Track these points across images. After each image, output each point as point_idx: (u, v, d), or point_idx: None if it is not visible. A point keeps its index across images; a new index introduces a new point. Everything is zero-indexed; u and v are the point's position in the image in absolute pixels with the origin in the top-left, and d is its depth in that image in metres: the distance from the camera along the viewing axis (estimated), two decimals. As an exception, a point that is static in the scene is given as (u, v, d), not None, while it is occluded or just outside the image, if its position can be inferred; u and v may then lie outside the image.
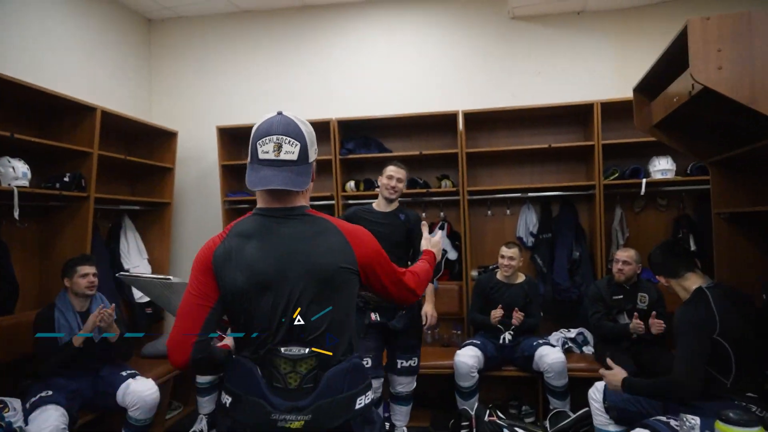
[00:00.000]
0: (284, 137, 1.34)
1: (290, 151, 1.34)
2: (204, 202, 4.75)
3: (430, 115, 4.14)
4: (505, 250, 3.63)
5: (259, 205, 1.42)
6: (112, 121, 3.90)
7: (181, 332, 1.31)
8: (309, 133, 1.42)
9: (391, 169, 3.03)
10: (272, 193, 1.37)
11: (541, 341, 3.53)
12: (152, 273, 4.33)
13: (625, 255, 3.50)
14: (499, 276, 3.71)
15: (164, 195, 4.48)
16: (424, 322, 3.19)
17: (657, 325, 3.08)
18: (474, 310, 3.76)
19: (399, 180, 3.02)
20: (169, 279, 1.79)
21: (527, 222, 4.29)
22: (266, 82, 4.73)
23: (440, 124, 4.35)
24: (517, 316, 3.47)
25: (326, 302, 1.34)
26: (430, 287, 3.26)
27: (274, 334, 1.31)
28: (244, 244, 1.33)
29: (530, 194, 4.22)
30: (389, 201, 3.03)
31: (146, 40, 4.87)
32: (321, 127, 4.17)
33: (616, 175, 3.96)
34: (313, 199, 4.57)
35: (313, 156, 1.42)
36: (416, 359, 3.14)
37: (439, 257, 1.90)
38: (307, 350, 1.30)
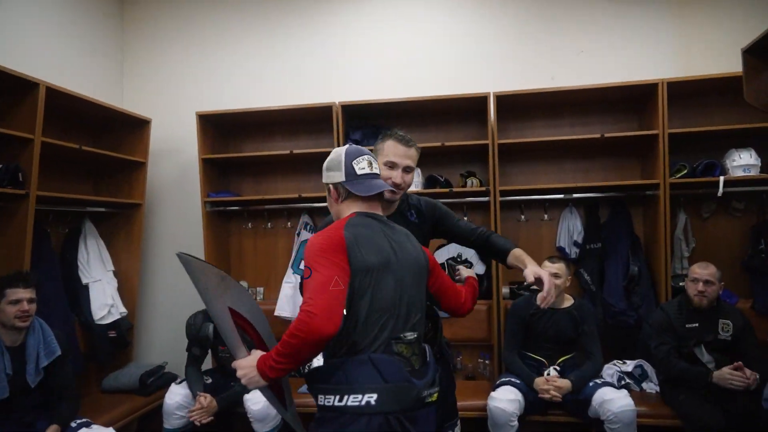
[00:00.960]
0: (371, 156, 1.64)
1: (376, 167, 1.64)
2: (182, 204, 4.02)
3: (454, 99, 3.40)
4: (548, 266, 2.88)
5: (356, 210, 1.59)
6: (66, 104, 3.19)
7: (333, 300, 1.37)
8: None
9: (391, 151, 1.83)
10: (369, 200, 1.60)
11: (599, 381, 2.79)
12: (116, 288, 3.61)
13: (707, 273, 2.76)
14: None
15: (134, 194, 3.75)
16: (536, 286, 1.89)
17: (739, 378, 2.49)
18: (511, 346, 2.99)
19: (406, 169, 1.84)
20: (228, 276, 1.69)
21: (570, 229, 3.55)
22: (257, 62, 4.01)
23: (466, 110, 3.61)
24: (557, 387, 2.73)
25: (421, 289, 1.63)
26: (521, 252, 1.99)
27: (396, 316, 1.50)
28: (368, 231, 1.52)
29: (575, 195, 3.48)
30: (388, 202, 1.87)
31: (118, 13, 4.15)
32: (321, 114, 3.47)
33: (684, 172, 3.22)
34: (309, 200, 3.75)
35: None
36: (458, 421, 2.24)
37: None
38: (416, 334, 1.50)
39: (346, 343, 1.45)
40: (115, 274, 3.67)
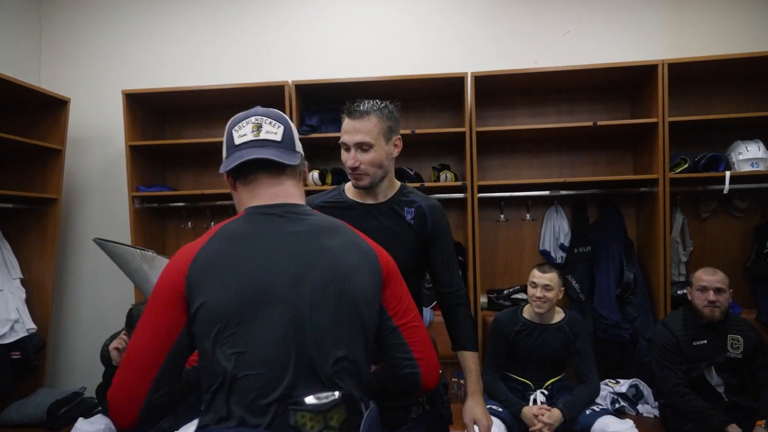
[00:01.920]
0: (264, 117, 1.13)
1: (272, 131, 1.11)
2: (109, 199, 3.44)
3: (426, 79, 2.93)
4: (538, 276, 2.45)
5: (252, 205, 1.10)
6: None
7: (134, 383, 0.96)
8: (293, 126, 1.17)
9: (342, 130, 1.52)
10: (265, 186, 1.10)
11: (596, 408, 2.38)
12: (23, 299, 3.00)
13: (716, 279, 2.40)
14: (527, 314, 2.54)
15: (48, 188, 3.16)
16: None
17: None
18: (492, 368, 2.54)
19: (362, 147, 1.48)
20: (150, 252, 1.51)
21: (556, 230, 3.15)
22: (197, 35, 3.44)
23: (441, 93, 3.16)
24: (548, 422, 2.28)
25: (350, 323, 1.02)
26: (473, 361, 1.61)
27: (285, 375, 0.95)
28: (236, 246, 1.02)
29: (561, 192, 3.07)
30: (365, 188, 1.54)
31: (34, -24, 3.54)
32: (271, 94, 2.97)
33: (685, 166, 2.85)
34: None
35: (300, 148, 1.16)
36: None
37: None
38: (337, 394, 0.97)
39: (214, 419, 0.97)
40: (24, 282, 3.07)
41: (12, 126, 3.10)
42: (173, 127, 3.45)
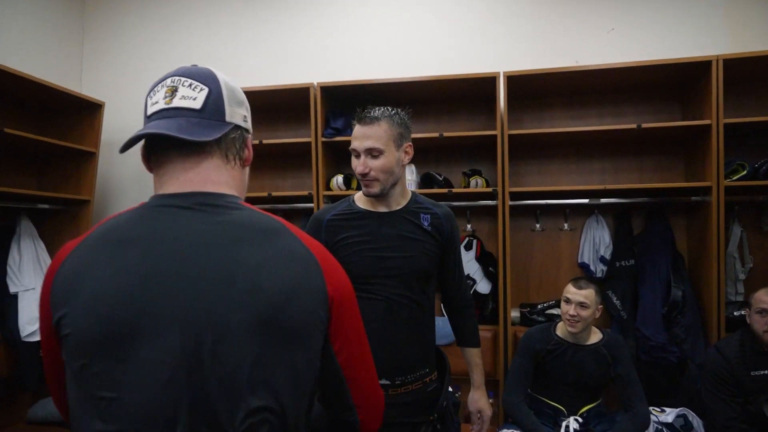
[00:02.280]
0: (182, 79, 0.83)
1: (190, 96, 0.81)
2: (131, 201, 3.45)
3: (456, 80, 2.79)
4: (572, 292, 2.24)
5: (158, 193, 0.82)
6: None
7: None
8: (230, 87, 0.86)
9: (353, 136, 1.48)
10: (176, 171, 0.81)
11: (637, 440, 2.15)
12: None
13: (781, 302, 2.11)
14: (560, 331, 2.33)
15: (82, 190, 3.22)
16: (472, 425, 1.73)
17: None
18: (516, 387, 2.33)
19: (372, 153, 1.43)
20: None
21: (596, 241, 2.91)
22: (228, 34, 3.45)
23: (472, 95, 3.01)
24: None
25: (276, 362, 0.73)
26: (477, 356, 1.72)
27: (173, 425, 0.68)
28: (114, 252, 0.74)
29: (602, 200, 2.84)
30: (375, 197, 1.49)
31: (78, -15, 3.66)
32: (297, 97, 2.91)
33: (743, 173, 2.57)
34: (282, 200, 3.03)
35: (235, 117, 0.85)
36: None
37: None
38: None
39: None
40: (56, 282, 3.13)
41: (51, 129, 3.21)
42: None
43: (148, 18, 3.56)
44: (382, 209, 1.51)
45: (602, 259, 2.88)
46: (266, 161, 3.32)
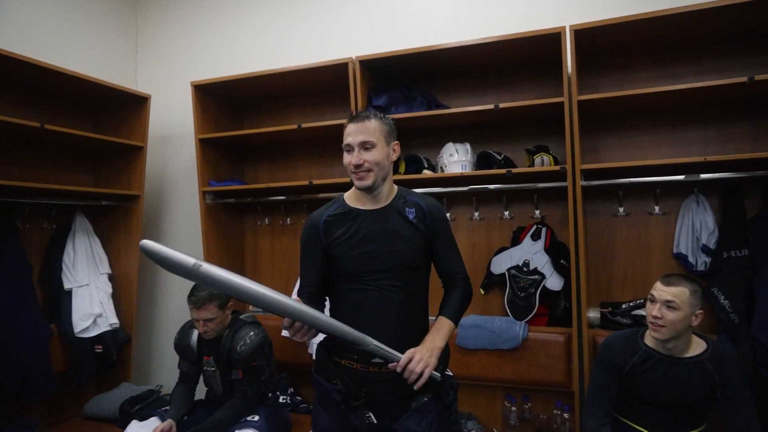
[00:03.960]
0: None
1: None
2: (186, 196, 3.41)
3: (511, 41, 2.36)
4: (659, 289, 1.77)
5: None
6: (39, 78, 2.69)
7: None
8: None
9: (351, 130, 1.58)
10: None
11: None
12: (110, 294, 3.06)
13: None
14: (650, 340, 1.88)
15: (132, 185, 3.19)
16: (400, 370, 1.47)
17: None
18: (597, 410, 1.90)
19: (365, 146, 1.55)
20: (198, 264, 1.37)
21: (696, 227, 2.37)
22: (257, 18, 3.27)
23: (532, 57, 2.56)
24: None
25: None
26: (445, 323, 1.66)
27: None
28: None
29: (702, 176, 2.30)
30: (367, 190, 1.60)
31: (130, -20, 3.65)
32: (335, 73, 2.66)
33: None
34: (324, 188, 2.77)
35: None
36: None
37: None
38: None
39: None
40: (111, 278, 3.14)
41: (104, 126, 3.22)
42: (251, 119, 3.31)
43: (195, 8, 3.47)
44: (371, 206, 1.62)
45: (705, 249, 2.33)
46: (306, 147, 3.11)
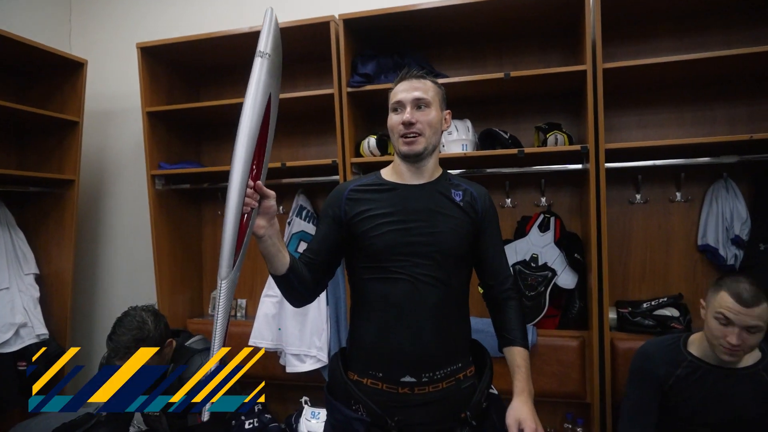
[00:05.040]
0: None
1: None
2: (127, 180, 2.92)
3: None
4: (736, 310, 1.42)
5: None
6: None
7: None
8: None
9: (394, 92, 1.36)
10: None
11: None
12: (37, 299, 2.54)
13: None
14: (695, 348, 1.59)
15: (65, 168, 2.68)
16: None
17: None
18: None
19: (418, 105, 1.31)
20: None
21: (726, 215, 2.12)
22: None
23: (539, 21, 2.23)
24: None
25: None
26: (522, 357, 1.34)
27: None
28: None
29: (733, 158, 2.03)
30: (413, 159, 1.33)
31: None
32: (314, 36, 2.26)
33: None
34: (300, 171, 2.30)
35: None
36: None
37: None
38: None
39: None
40: (38, 279, 2.62)
41: (31, 96, 2.69)
42: (209, 90, 2.84)
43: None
44: (412, 181, 1.36)
45: (736, 241, 2.08)
46: (279, 124, 2.67)
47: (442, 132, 1.39)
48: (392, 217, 1.30)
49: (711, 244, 2.13)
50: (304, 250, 1.38)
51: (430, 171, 1.36)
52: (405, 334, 1.25)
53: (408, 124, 1.28)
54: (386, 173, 1.41)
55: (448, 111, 1.39)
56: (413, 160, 1.32)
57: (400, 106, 1.32)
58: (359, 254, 1.32)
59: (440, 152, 1.55)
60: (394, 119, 1.33)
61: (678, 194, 2.23)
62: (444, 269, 1.28)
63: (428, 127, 1.30)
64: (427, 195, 1.33)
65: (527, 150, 2.06)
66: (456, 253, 1.31)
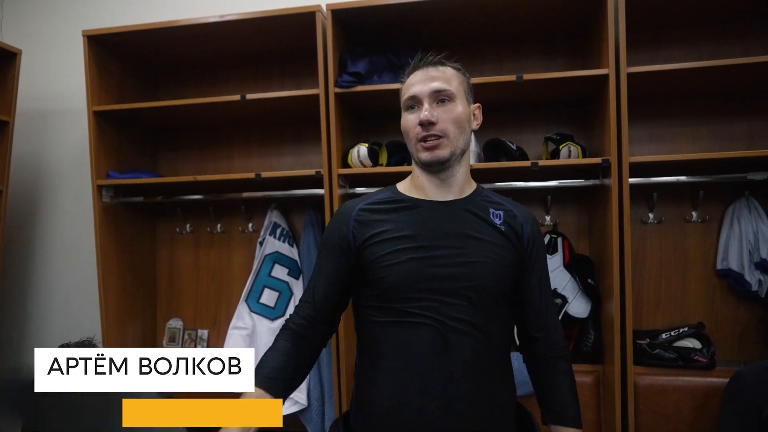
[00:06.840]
0: None
1: None
2: (68, 191, 2.52)
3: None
4: None
5: None
6: None
7: None
8: None
9: (409, 83, 1.08)
10: None
11: None
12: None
13: None
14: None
15: (-10, 175, 2.25)
16: None
17: None
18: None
19: (438, 98, 1.05)
20: None
21: (749, 237, 1.95)
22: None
23: (560, 17, 2.01)
24: None
25: None
26: None
27: None
28: None
29: (757, 175, 1.87)
30: (437, 168, 1.06)
31: None
32: (297, 27, 1.96)
33: None
34: (278, 183, 1.88)
35: None
36: None
37: None
38: None
39: None
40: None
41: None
42: (169, 89, 2.49)
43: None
44: (438, 197, 1.09)
45: (762, 265, 1.91)
46: (255, 128, 2.36)
47: (472, 132, 1.13)
48: (412, 243, 1.03)
49: (734, 269, 1.96)
50: (301, 301, 1.09)
51: (460, 184, 1.10)
52: (431, 399, 0.97)
53: (427, 124, 1.03)
54: (403, 187, 1.14)
55: (478, 105, 1.14)
56: (437, 169, 1.06)
57: (415, 102, 1.06)
58: (368, 290, 1.04)
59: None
60: (409, 120, 1.07)
61: (694, 213, 2.06)
62: (481, 312, 1.01)
63: (453, 125, 1.05)
64: (457, 215, 1.07)
65: (541, 162, 1.83)
66: (497, 291, 1.04)
